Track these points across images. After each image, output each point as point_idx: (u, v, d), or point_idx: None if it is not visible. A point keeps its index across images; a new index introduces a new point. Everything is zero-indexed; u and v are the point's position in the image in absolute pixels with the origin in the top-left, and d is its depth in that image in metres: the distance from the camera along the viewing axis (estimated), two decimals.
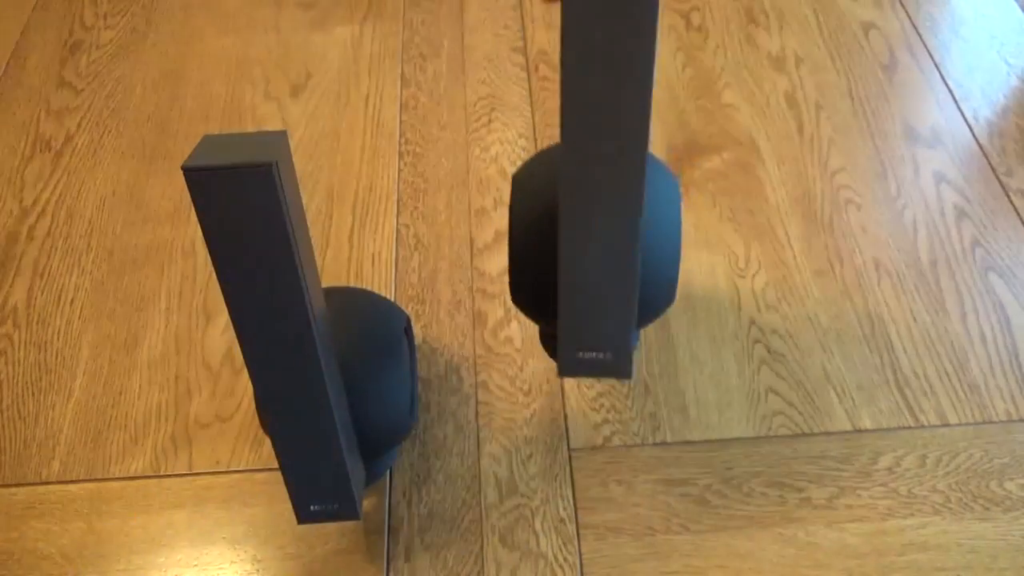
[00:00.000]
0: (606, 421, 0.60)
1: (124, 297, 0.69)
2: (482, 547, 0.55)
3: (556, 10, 0.94)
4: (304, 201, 0.75)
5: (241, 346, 0.42)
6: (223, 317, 0.67)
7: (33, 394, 0.63)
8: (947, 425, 0.60)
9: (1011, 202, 0.74)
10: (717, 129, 0.80)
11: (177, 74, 0.87)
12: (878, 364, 0.63)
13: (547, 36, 0.89)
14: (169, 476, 0.59)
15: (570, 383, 0.63)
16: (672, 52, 0.87)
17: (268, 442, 0.60)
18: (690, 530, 0.55)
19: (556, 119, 0.81)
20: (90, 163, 0.79)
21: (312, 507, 0.49)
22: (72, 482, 0.58)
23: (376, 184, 0.76)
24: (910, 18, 0.91)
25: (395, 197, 0.75)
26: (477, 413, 0.61)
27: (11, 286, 0.69)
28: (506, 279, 0.69)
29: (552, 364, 0.64)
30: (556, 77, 0.85)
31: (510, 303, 0.67)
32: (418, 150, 0.79)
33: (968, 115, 0.81)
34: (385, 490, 0.58)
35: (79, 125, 0.82)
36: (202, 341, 0.66)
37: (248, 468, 0.59)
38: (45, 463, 0.59)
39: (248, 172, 0.36)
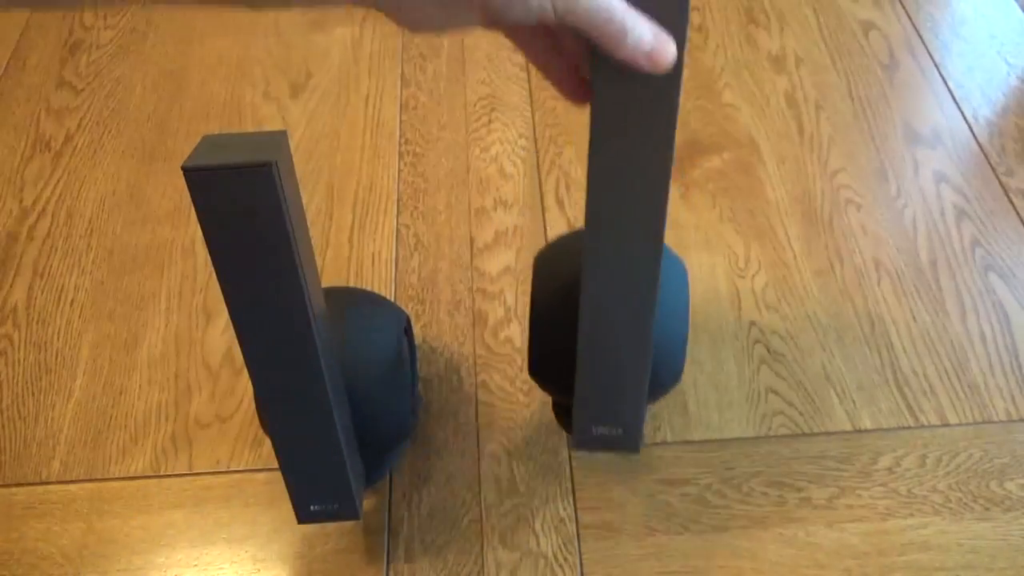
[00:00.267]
0: None
1: (124, 297, 0.69)
2: (482, 547, 0.55)
3: None
4: (304, 201, 0.75)
5: (241, 346, 0.42)
6: (223, 317, 0.67)
7: (33, 394, 0.63)
8: (947, 425, 0.60)
9: (1011, 202, 0.74)
10: (717, 129, 0.80)
11: (177, 74, 0.87)
12: (878, 364, 0.64)
13: None
14: (169, 476, 0.59)
15: None
16: None
17: (268, 442, 0.60)
18: (690, 530, 0.55)
19: (556, 119, 0.81)
20: (90, 163, 0.79)
21: (312, 507, 0.49)
22: (72, 482, 0.58)
23: (376, 184, 0.76)
24: (910, 18, 0.91)
25: (395, 197, 0.75)
26: (477, 413, 0.61)
27: (11, 286, 0.69)
28: (506, 279, 0.69)
29: None
30: None
31: (510, 303, 0.67)
32: (418, 150, 0.79)
33: (968, 115, 0.81)
34: (385, 490, 0.58)
35: (79, 125, 0.82)
36: (202, 341, 0.66)
37: (248, 468, 0.59)
38: (45, 463, 0.59)
39: (248, 172, 0.36)
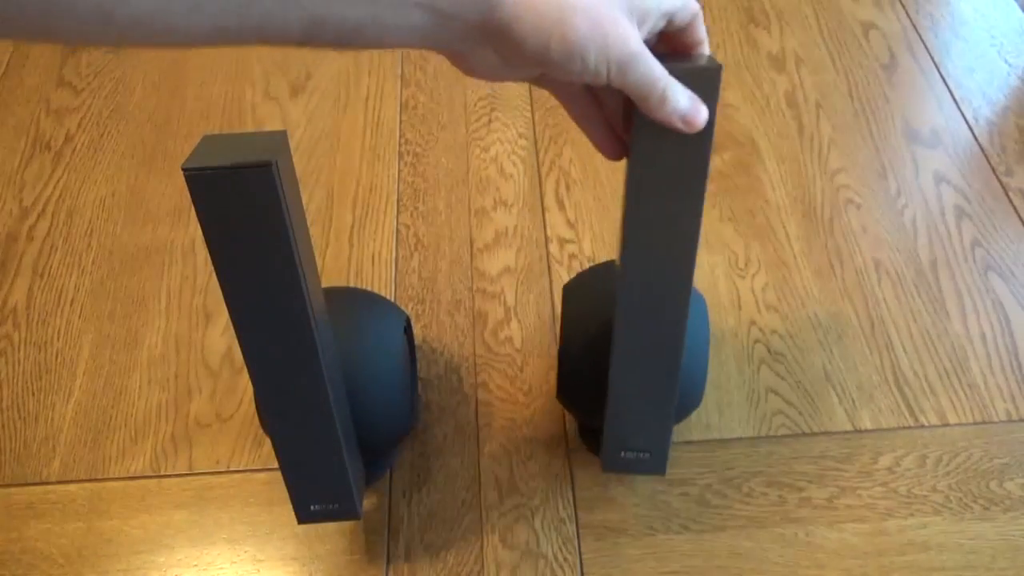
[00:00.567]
0: None
1: (124, 297, 0.69)
2: (482, 547, 0.55)
3: None
4: (304, 201, 0.75)
5: (241, 346, 0.42)
6: (223, 317, 0.67)
7: (33, 394, 0.63)
8: (947, 425, 0.60)
9: (1011, 202, 0.74)
10: (717, 129, 0.80)
11: (177, 74, 0.87)
12: (878, 364, 0.63)
13: None
14: (169, 476, 0.59)
15: None
16: None
17: (268, 442, 0.59)
18: (690, 530, 0.55)
19: (556, 119, 0.81)
20: (90, 163, 0.79)
21: (312, 507, 0.49)
22: (72, 482, 0.58)
23: (376, 184, 0.76)
24: (910, 18, 0.91)
25: (395, 197, 0.75)
26: (477, 413, 0.61)
27: (11, 286, 0.69)
28: (506, 279, 0.69)
29: (551, 363, 0.64)
30: None
31: (510, 303, 0.67)
32: (418, 150, 0.79)
33: (968, 115, 0.81)
34: (385, 490, 0.58)
35: (79, 125, 0.82)
36: (202, 341, 0.66)
37: (248, 468, 0.59)
38: (45, 463, 0.59)
39: (248, 172, 0.36)
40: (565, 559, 0.54)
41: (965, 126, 0.80)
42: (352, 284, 0.69)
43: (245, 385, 0.63)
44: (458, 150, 0.79)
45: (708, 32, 0.91)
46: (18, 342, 0.66)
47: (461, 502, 0.57)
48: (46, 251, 0.72)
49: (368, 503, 0.57)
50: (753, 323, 0.66)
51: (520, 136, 0.80)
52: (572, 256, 0.70)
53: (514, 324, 0.66)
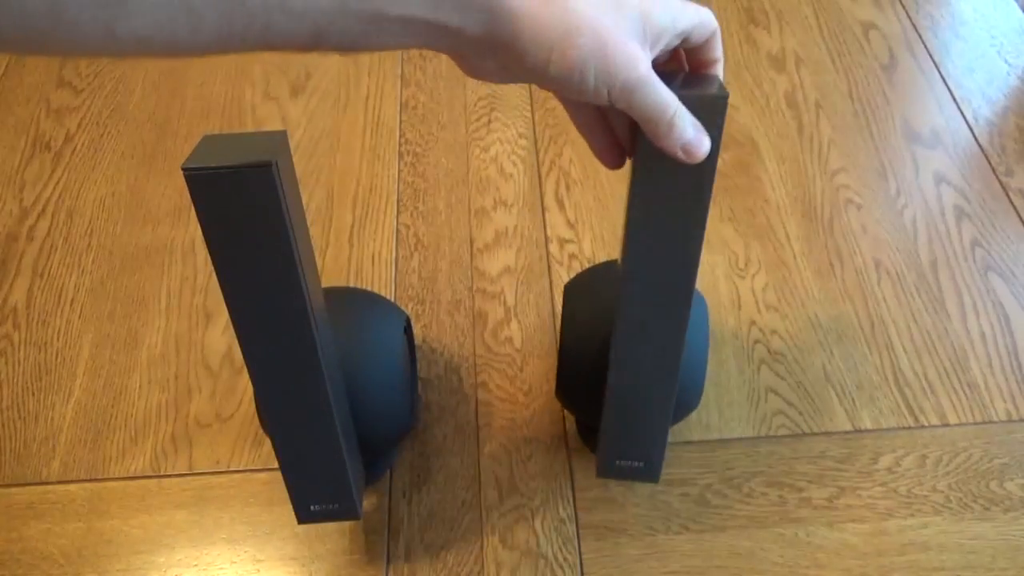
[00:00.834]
0: None
1: (124, 297, 0.69)
2: (482, 547, 0.55)
3: None
4: (304, 201, 0.75)
5: (241, 346, 0.42)
6: (223, 317, 0.67)
7: (33, 394, 0.63)
8: (947, 425, 0.60)
9: (1011, 202, 0.74)
10: None
11: (177, 74, 0.87)
12: (878, 364, 0.63)
13: None
14: (169, 476, 0.59)
15: None
16: None
17: (268, 442, 0.59)
18: (690, 530, 0.55)
19: (556, 119, 0.81)
20: (90, 163, 0.79)
21: (312, 507, 0.49)
22: (72, 482, 0.58)
23: (376, 184, 0.76)
24: (910, 18, 0.91)
25: (395, 197, 0.75)
26: (477, 413, 0.61)
27: (11, 286, 0.69)
28: (506, 279, 0.69)
29: (551, 363, 0.64)
30: None
31: (510, 303, 0.67)
32: (418, 150, 0.79)
33: (968, 115, 0.81)
34: (385, 490, 0.58)
35: (79, 125, 0.82)
36: (202, 341, 0.66)
37: (248, 468, 0.59)
38: (45, 463, 0.59)
39: (248, 172, 0.36)
40: (565, 559, 0.54)
41: (965, 126, 0.80)
42: (352, 284, 0.69)
43: (245, 385, 0.63)
44: (458, 150, 0.79)
45: None
46: (18, 342, 0.66)
47: (461, 502, 0.57)
48: (46, 251, 0.72)
49: (368, 503, 0.57)
50: (753, 323, 0.66)
51: (520, 136, 0.80)
52: (572, 256, 0.70)
53: (514, 324, 0.66)
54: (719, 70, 0.43)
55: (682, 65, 0.43)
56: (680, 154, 0.39)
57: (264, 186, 0.37)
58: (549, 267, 0.70)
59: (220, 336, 0.66)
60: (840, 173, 0.76)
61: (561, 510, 0.56)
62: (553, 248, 0.71)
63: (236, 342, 0.49)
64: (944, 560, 0.54)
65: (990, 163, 0.77)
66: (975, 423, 0.60)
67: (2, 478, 0.59)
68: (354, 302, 0.55)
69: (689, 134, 0.38)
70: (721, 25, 0.90)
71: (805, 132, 0.80)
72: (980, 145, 0.78)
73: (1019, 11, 0.92)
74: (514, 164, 0.78)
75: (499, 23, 0.35)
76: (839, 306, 0.67)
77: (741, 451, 0.59)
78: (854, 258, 0.70)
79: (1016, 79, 0.85)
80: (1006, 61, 0.86)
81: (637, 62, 0.37)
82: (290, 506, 0.48)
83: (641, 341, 0.45)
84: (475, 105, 0.83)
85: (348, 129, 0.81)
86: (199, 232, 0.72)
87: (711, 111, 0.38)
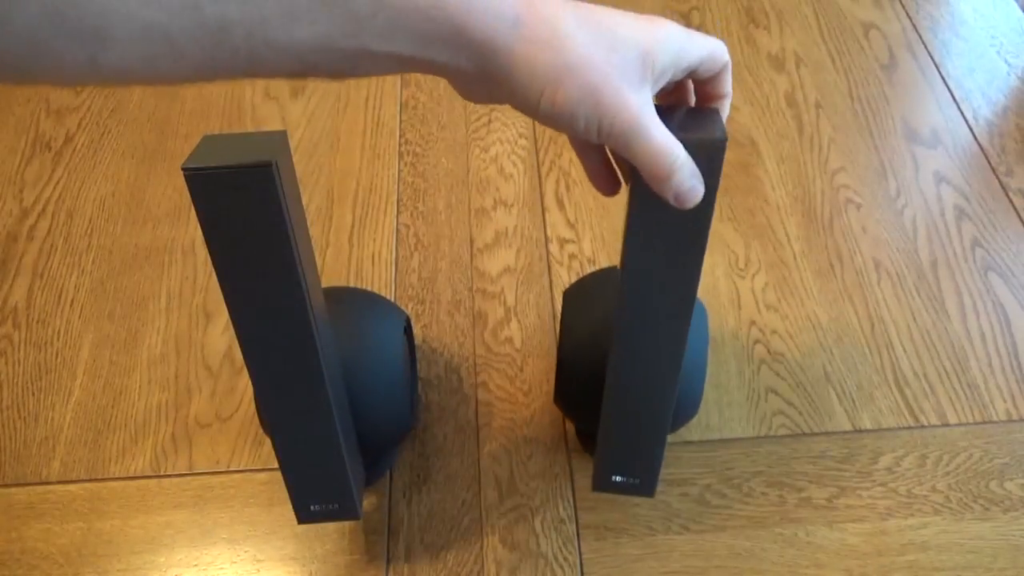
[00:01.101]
0: None
1: (124, 297, 0.69)
2: (482, 547, 0.55)
3: None
4: (304, 201, 0.75)
5: (241, 346, 0.42)
6: (223, 317, 0.67)
7: (33, 394, 0.63)
8: (947, 425, 0.60)
9: (1011, 202, 0.74)
10: None
11: None
12: (878, 364, 0.63)
13: None
14: (169, 476, 0.59)
15: None
16: None
17: (268, 442, 0.59)
18: (690, 530, 0.55)
19: None
20: (90, 163, 0.79)
21: (312, 507, 0.49)
22: (72, 482, 0.58)
23: (376, 184, 0.76)
24: (910, 18, 0.91)
25: (395, 197, 0.75)
26: (477, 413, 0.61)
27: (11, 286, 0.69)
28: (506, 279, 0.69)
29: (551, 363, 0.64)
30: None
31: (510, 303, 0.67)
32: (418, 150, 0.79)
33: (968, 115, 0.81)
34: (385, 490, 0.58)
35: (79, 125, 0.82)
36: (202, 341, 0.66)
37: (248, 468, 0.59)
38: (45, 463, 0.59)
39: (248, 172, 0.36)
40: (565, 559, 0.54)
41: (965, 126, 0.80)
42: (352, 284, 0.69)
43: (245, 385, 0.63)
44: (458, 150, 0.79)
45: (708, 32, 0.91)
46: (18, 342, 0.66)
47: (461, 502, 0.57)
48: (46, 251, 0.72)
49: (368, 503, 0.57)
50: (753, 323, 0.66)
51: (520, 136, 0.80)
52: (572, 256, 0.70)
53: (514, 324, 0.66)
54: (726, 106, 0.42)
55: (687, 95, 0.42)
56: (672, 201, 0.38)
57: (264, 186, 0.37)
58: (549, 267, 0.70)
59: (220, 336, 0.66)
60: (840, 173, 0.76)
61: (561, 510, 0.56)
62: (553, 248, 0.71)
63: (236, 342, 0.49)
64: (944, 560, 0.54)
65: (990, 163, 0.77)
66: (975, 423, 0.60)
67: (2, 478, 0.59)
68: (354, 302, 0.55)
69: (685, 185, 0.37)
70: (721, 25, 0.90)
71: (805, 132, 0.80)
72: (980, 145, 0.78)
73: (1019, 11, 0.92)
74: (514, 164, 0.78)
75: (491, 63, 0.35)
76: (839, 306, 0.67)
77: (741, 451, 0.59)
78: (854, 258, 0.70)
79: (1016, 79, 0.85)
80: (1006, 61, 0.86)
81: (629, 107, 0.35)
82: (290, 506, 0.48)
83: (639, 361, 0.45)
84: (475, 105, 0.83)
85: (348, 129, 0.81)
86: (199, 232, 0.72)
87: (709, 156, 0.37)
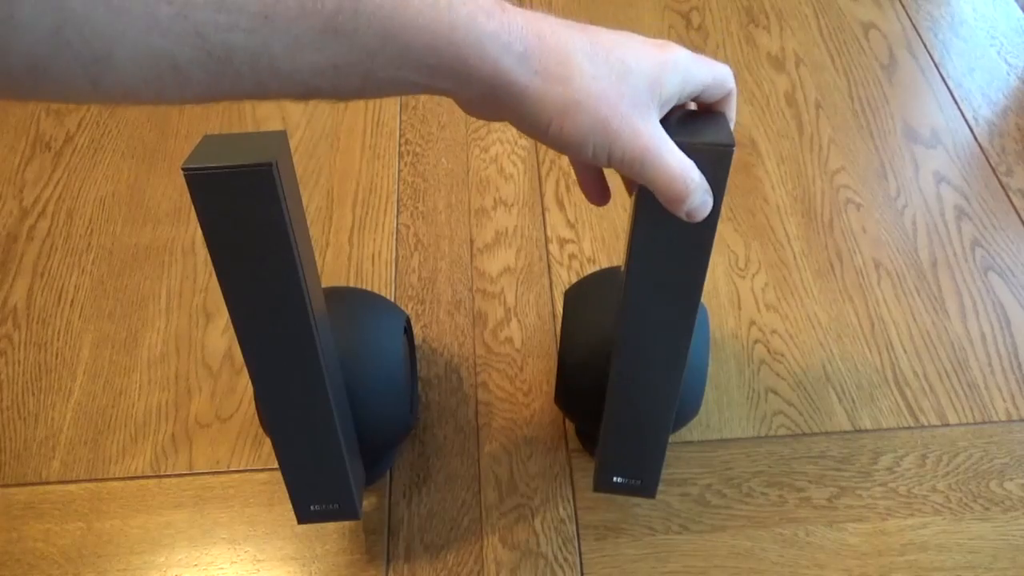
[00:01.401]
0: None
1: (124, 297, 0.69)
2: (482, 547, 0.55)
3: (557, 13, 0.94)
4: (304, 201, 0.75)
5: (241, 346, 0.42)
6: (223, 317, 0.67)
7: (33, 394, 0.63)
8: (947, 425, 0.60)
9: (1011, 202, 0.74)
10: None
11: None
12: (878, 364, 0.63)
13: None
14: (169, 476, 0.59)
15: None
16: None
17: (268, 442, 0.59)
18: (690, 530, 0.55)
19: None
20: (90, 163, 0.79)
21: (312, 507, 0.49)
22: (72, 482, 0.58)
23: (376, 184, 0.76)
24: (910, 18, 0.91)
25: (395, 197, 0.75)
26: (477, 413, 0.61)
27: (11, 286, 0.69)
28: (506, 279, 0.69)
29: (551, 363, 0.64)
30: None
31: (510, 303, 0.67)
32: (418, 150, 0.79)
33: (968, 115, 0.81)
34: (385, 490, 0.58)
35: (79, 125, 0.82)
36: (202, 341, 0.66)
37: (248, 468, 0.59)
38: (45, 463, 0.59)
39: (248, 172, 0.36)
40: (565, 559, 0.54)
41: (965, 126, 0.80)
42: (352, 284, 0.69)
43: (245, 385, 0.63)
44: (458, 150, 0.79)
45: (708, 32, 0.91)
46: (18, 342, 0.66)
47: (461, 502, 0.57)
48: (46, 251, 0.72)
49: (368, 503, 0.57)
50: (753, 323, 0.66)
51: (520, 136, 0.80)
52: (572, 256, 0.70)
53: (514, 324, 0.66)
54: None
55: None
56: (684, 217, 0.38)
57: (264, 186, 0.37)
58: (549, 267, 0.70)
59: (220, 336, 0.66)
60: (840, 173, 0.76)
61: (561, 510, 0.56)
62: (553, 248, 0.71)
63: (236, 342, 0.49)
64: (944, 560, 0.54)
65: (990, 163, 0.77)
66: (975, 423, 0.60)
67: (2, 478, 0.59)
68: (354, 302, 0.55)
69: (695, 202, 0.37)
70: (721, 25, 0.90)
71: (805, 132, 0.80)
72: (980, 145, 0.78)
73: (1019, 11, 0.92)
74: (514, 164, 0.78)
75: (499, 94, 0.35)
76: (839, 306, 0.67)
77: (741, 451, 0.59)
78: (854, 258, 0.70)
79: (1016, 79, 0.85)
80: (1006, 61, 0.86)
81: (640, 135, 0.36)
82: (290, 506, 0.48)
83: (642, 364, 0.45)
84: None
85: (348, 129, 0.81)
86: (199, 232, 0.72)
87: (716, 161, 0.37)
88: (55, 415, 0.62)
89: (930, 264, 0.70)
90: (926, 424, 0.60)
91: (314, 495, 0.48)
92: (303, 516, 0.49)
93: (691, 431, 0.60)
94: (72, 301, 0.68)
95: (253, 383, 0.43)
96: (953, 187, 0.75)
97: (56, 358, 0.65)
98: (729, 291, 0.68)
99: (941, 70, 0.85)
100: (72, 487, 0.58)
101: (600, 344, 0.50)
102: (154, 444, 0.60)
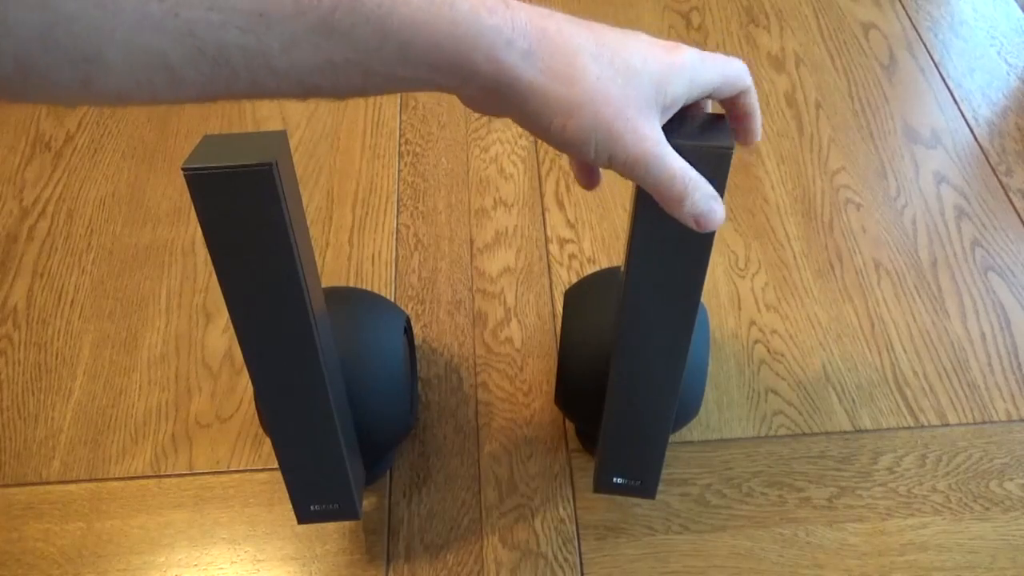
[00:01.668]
0: None
1: (124, 297, 0.69)
2: (482, 547, 0.55)
3: None
4: (304, 201, 0.75)
5: (241, 346, 0.42)
6: (223, 317, 0.67)
7: (33, 394, 0.63)
8: (947, 425, 0.60)
9: (1011, 202, 0.74)
10: None
11: None
12: (878, 364, 0.63)
13: None
14: (169, 476, 0.59)
15: None
16: None
17: (268, 442, 0.59)
18: (690, 530, 0.55)
19: None
20: (90, 163, 0.79)
21: (312, 507, 0.49)
22: (72, 482, 0.58)
23: (376, 184, 0.76)
24: (910, 18, 0.91)
25: (395, 197, 0.75)
26: (477, 413, 0.61)
27: (11, 286, 0.69)
28: (506, 279, 0.69)
29: (551, 363, 0.64)
30: None
31: (510, 303, 0.67)
32: (418, 150, 0.79)
33: (968, 115, 0.81)
34: (385, 490, 0.58)
35: (79, 125, 0.82)
36: (202, 341, 0.66)
37: (248, 468, 0.59)
38: (45, 463, 0.59)
39: (248, 172, 0.36)
40: (565, 559, 0.54)
41: (965, 126, 0.80)
42: (352, 284, 0.69)
43: (245, 385, 0.63)
44: (458, 150, 0.79)
45: (708, 32, 0.91)
46: (18, 342, 0.66)
47: (461, 502, 0.57)
48: (46, 251, 0.72)
49: (368, 503, 0.57)
50: (753, 323, 0.66)
51: (520, 136, 0.80)
52: (572, 256, 0.70)
53: (514, 324, 0.66)
54: (753, 125, 0.41)
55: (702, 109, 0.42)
56: (692, 224, 0.37)
57: (264, 186, 0.37)
58: (549, 267, 0.70)
59: (220, 336, 0.66)
60: (840, 173, 0.76)
61: (561, 510, 0.56)
62: (553, 248, 0.71)
63: (236, 342, 0.49)
64: (944, 560, 0.54)
65: (990, 163, 0.77)
66: (975, 423, 0.60)
67: (2, 478, 0.59)
68: (354, 302, 0.55)
69: (700, 208, 0.37)
70: (721, 25, 0.90)
71: (805, 132, 0.80)
72: (980, 145, 0.78)
73: (1019, 11, 0.92)
74: (514, 164, 0.78)
75: (502, 91, 0.34)
76: (839, 306, 0.67)
77: (741, 451, 0.59)
78: (854, 258, 0.70)
79: (1016, 79, 0.85)
80: (1006, 61, 0.86)
81: (643, 139, 0.35)
82: (290, 506, 0.48)
83: (642, 365, 0.45)
84: None
85: (348, 129, 0.81)
86: (199, 232, 0.73)
87: (715, 163, 0.37)
88: (55, 415, 0.62)
89: (930, 264, 0.70)
90: (926, 424, 0.60)
91: (314, 495, 0.48)
92: (303, 516, 0.49)
93: (691, 431, 0.60)
94: (72, 301, 0.68)
95: (253, 383, 0.43)
96: (953, 187, 0.75)
97: (56, 358, 0.65)
98: (729, 291, 0.68)
99: (941, 70, 0.85)
100: (72, 487, 0.58)
101: (600, 344, 0.50)
102: (154, 444, 0.60)
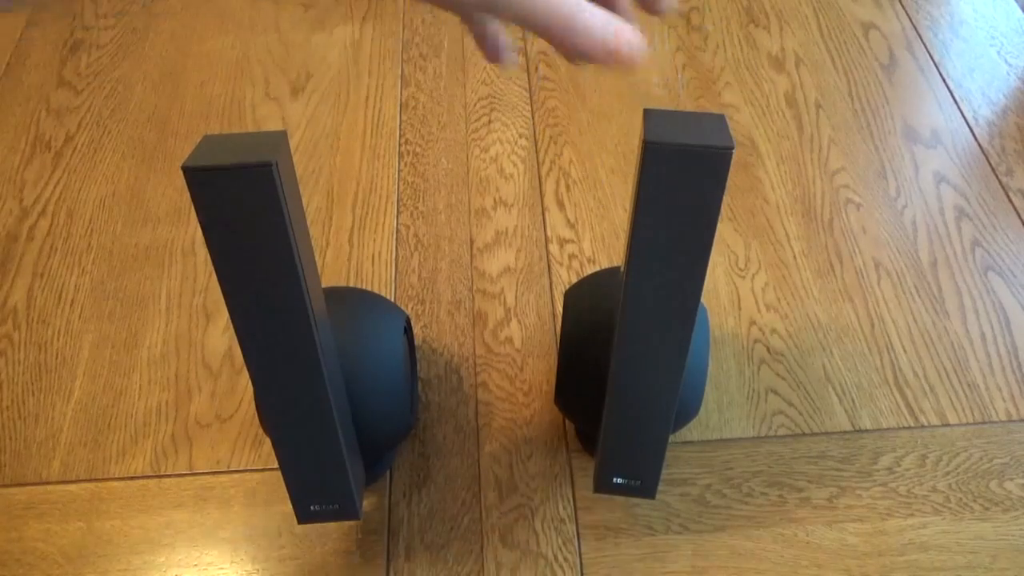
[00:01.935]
0: None
1: (124, 297, 0.69)
2: (482, 547, 0.55)
3: None
4: (304, 201, 0.75)
5: (241, 346, 0.42)
6: (223, 317, 0.67)
7: (33, 394, 0.63)
8: (947, 425, 0.60)
9: (1011, 202, 0.74)
10: None
11: (177, 74, 0.87)
12: (878, 364, 0.64)
13: None
14: (169, 476, 0.59)
15: None
16: (672, 52, 0.87)
17: (268, 442, 0.60)
18: (690, 530, 0.55)
19: (556, 119, 0.81)
20: (90, 163, 0.79)
21: (312, 507, 0.49)
22: (72, 482, 0.58)
23: (376, 184, 0.76)
24: (910, 18, 0.91)
25: (395, 197, 0.75)
26: (477, 413, 0.61)
27: (11, 286, 0.69)
28: (506, 279, 0.69)
29: (551, 363, 0.64)
30: (556, 77, 0.85)
31: (510, 303, 0.67)
32: (418, 150, 0.79)
33: (968, 115, 0.81)
34: (385, 490, 0.58)
35: (79, 125, 0.82)
36: (202, 341, 0.66)
37: (248, 468, 0.59)
38: (45, 463, 0.59)
39: (248, 172, 0.36)
40: (565, 559, 0.54)
41: (965, 126, 0.80)
42: (352, 284, 0.69)
43: (245, 385, 0.63)
44: (458, 150, 0.79)
45: (708, 32, 0.91)
46: (18, 342, 0.66)
47: (461, 502, 0.57)
48: (46, 251, 0.72)
49: (368, 503, 0.57)
50: (753, 323, 0.66)
51: (520, 136, 0.80)
52: (572, 256, 0.70)
53: (514, 324, 0.66)
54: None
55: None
56: (605, 56, 0.31)
57: (264, 186, 0.37)
58: (549, 267, 0.70)
59: (220, 336, 0.66)
60: (840, 173, 0.76)
61: (561, 510, 0.56)
62: (553, 248, 0.71)
63: (236, 342, 0.49)
64: (944, 560, 0.54)
65: (990, 163, 0.77)
66: (975, 423, 0.60)
67: (2, 478, 0.59)
68: (354, 302, 0.55)
69: (598, 23, 0.31)
70: (721, 25, 0.90)
71: (805, 132, 0.80)
72: (980, 145, 0.78)
73: (1019, 11, 0.92)
74: (514, 164, 0.78)
75: None
76: (839, 306, 0.67)
77: (741, 451, 0.59)
78: (854, 258, 0.70)
79: (1016, 79, 0.85)
80: (1006, 61, 0.86)
81: None
82: (290, 506, 0.48)
83: (641, 365, 0.45)
84: (475, 105, 0.83)
85: (348, 129, 0.81)
86: (199, 232, 0.73)
87: (714, 163, 0.36)
88: (55, 415, 0.62)
89: (930, 264, 0.70)
90: (926, 424, 0.60)
91: (314, 495, 0.48)
92: (303, 516, 0.49)
93: (691, 431, 0.60)
94: (72, 301, 0.68)
95: (253, 383, 0.43)
96: (953, 187, 0.75)
97: (56, 358, 0.65)
98: (729, 291, 0.68)
99: (941, 70, 0.85)
100: (72, 487, 0.58)
101: (601, 345, 0.50)
102: (154, 444, 0.60)
